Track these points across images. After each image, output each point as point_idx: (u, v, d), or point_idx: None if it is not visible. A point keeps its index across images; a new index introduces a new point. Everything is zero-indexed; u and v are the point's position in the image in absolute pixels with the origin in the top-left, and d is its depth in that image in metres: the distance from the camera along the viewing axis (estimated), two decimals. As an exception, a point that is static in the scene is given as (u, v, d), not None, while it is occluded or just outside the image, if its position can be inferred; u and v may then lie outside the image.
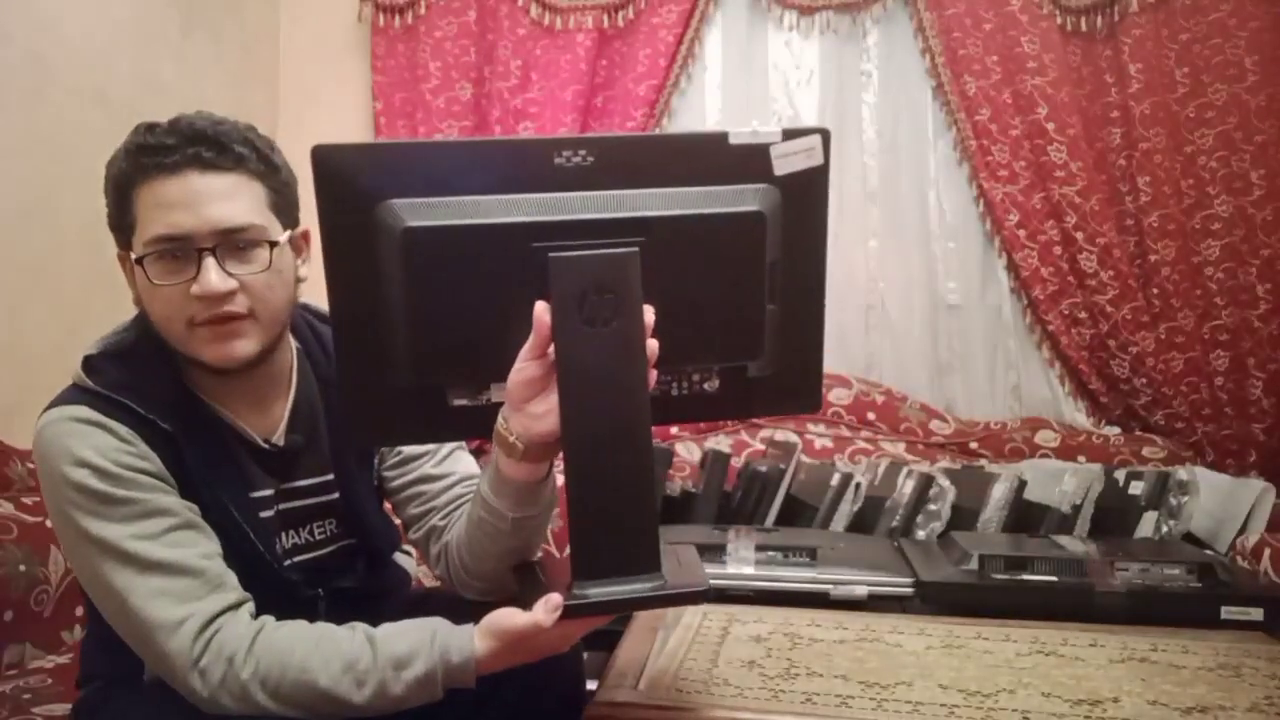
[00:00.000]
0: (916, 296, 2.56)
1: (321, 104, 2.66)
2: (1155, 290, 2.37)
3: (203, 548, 0.95)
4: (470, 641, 0.91)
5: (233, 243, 0.97)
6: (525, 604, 0.89)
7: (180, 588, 0.91)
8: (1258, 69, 2.29)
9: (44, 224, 1.85)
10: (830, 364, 2.48)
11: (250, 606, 0.95)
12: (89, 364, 0.99)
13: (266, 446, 1.07)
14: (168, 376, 1.01)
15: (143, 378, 0.99)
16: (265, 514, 1.06)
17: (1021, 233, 2.41)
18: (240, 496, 1.03)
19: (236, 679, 0.89)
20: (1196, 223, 2.36)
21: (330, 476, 1.12)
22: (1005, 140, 2.39)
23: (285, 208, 1.03)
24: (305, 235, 1.07)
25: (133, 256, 0.97)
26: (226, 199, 0.96)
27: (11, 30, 1.79)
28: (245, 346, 0.99)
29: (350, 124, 2.63)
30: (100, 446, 0.93)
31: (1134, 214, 2.39)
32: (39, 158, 1.84)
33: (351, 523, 1.13)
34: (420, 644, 0.91)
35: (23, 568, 1.50)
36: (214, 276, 0.95)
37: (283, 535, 1.08)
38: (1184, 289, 2.35)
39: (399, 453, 1.17)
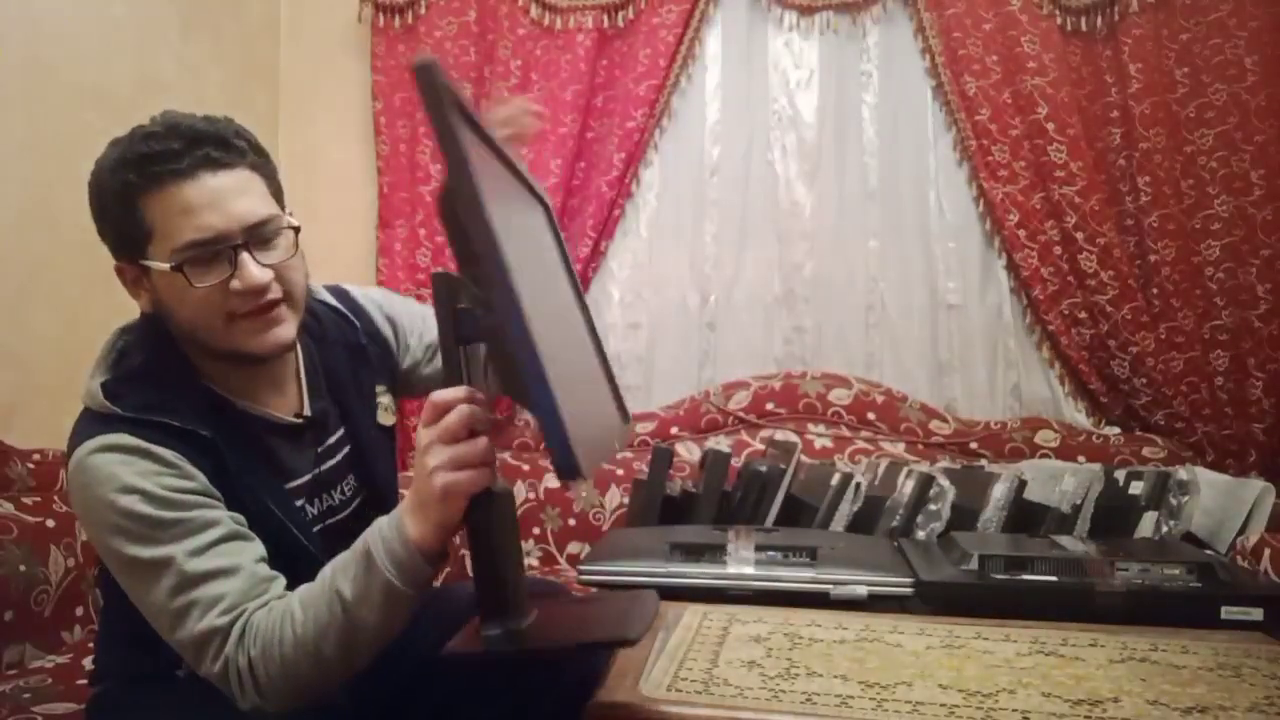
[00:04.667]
0: (916, 296, 2.56)
1: (321, 104, 2.66)
2: (1155, 290, 2.37)
3: (251, 553, 0.95)
4: (397, 511, 0.89)
5: (260, 235, 0.99)
6: None
7: (231, 588, 0.91)
8: (1258, 69, 2.29)
9: (44, 224, 1.84)
10: (830, 364, 2.53)
11: None
12: (110, 390, 0.96)
13: (301, 421, 1.09)
14: (191, 383, 1.02)
15: (168, 391, 0.98)
16: (300, 502, 1.07)
17: (1021, 233, 2.41)
18: (278, 491, 1.04)
19: (246, 657, 0.89)
20: (1196, 223, 2.36)
21: (344, 429, 1.14)
22: (1005, 140, 2.39)
23: (279, 193, 1.06)
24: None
25: (166, 266, 0.96)
26: (243, 194, 0.98)
27: (10, 31, 1.79)
28: (286, 331, 1.02)
29: (350, 124, 2.64)
30: (146, 472, 0.92)
31: (1134, 214, 2.39)
32: (39, 158, 1.84)
33: (362, 469, 1.15)
34: (354, 545, 0.90)
35: (23, 568, 1.50)
36: (255, 270, 0.97)
37: (313, 503, 1.10)
38: (1184, 289, 2.35)
39: (430, 346, 1.25)
